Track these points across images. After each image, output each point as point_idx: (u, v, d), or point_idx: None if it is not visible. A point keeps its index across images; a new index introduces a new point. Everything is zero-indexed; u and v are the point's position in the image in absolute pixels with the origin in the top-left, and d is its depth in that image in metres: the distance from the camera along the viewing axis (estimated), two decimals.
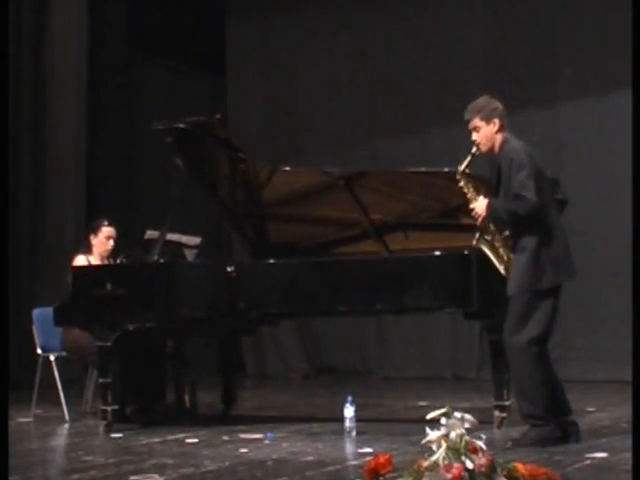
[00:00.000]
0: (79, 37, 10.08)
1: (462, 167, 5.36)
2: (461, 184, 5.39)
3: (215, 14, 11.54)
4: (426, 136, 10.30)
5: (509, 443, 5.17)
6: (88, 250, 7.14)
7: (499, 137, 5.32)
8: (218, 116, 6.71)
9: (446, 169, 6.22)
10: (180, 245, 6.91)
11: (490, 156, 5.47)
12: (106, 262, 7.14)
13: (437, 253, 6.14)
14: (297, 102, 11.14)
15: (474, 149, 5.35)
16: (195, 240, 7.09)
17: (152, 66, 11.15)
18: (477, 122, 5.32)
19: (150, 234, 6.76)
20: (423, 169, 6.58)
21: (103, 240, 7.12)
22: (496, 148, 5.34)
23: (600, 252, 9.18)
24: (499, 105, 5.38)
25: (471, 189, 5.37)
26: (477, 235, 5.33)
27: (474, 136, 5.35)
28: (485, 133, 5.32)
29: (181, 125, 6.44)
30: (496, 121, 5.31)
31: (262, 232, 7.04)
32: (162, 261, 6.41)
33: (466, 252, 5.97)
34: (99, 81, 10.39)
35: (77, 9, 10.04)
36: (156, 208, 9.67)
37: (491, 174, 5.58)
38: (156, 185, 10.51)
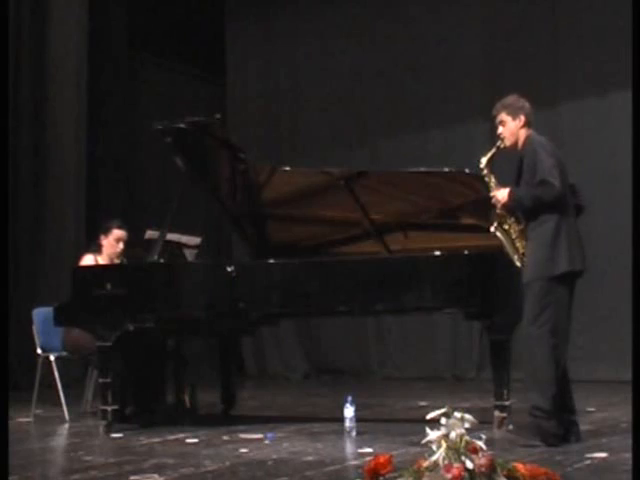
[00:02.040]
0: (79, 37, 10.08)
1: (486, 158, 5.47)
2: (484, 173, 5.46)
3: (215, 14, 11.55)
4: (426, 136, 10.31)
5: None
6: (98, 250, 7.14)
7: (523, 132, 5.46)
8: (218, 116, 6.71)
9: (446, 169, 6.23)
10: (180, 245, 6.91)
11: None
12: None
13: (437, 253, 6.13)
14: (297, 102, 11.15)
15: (499, 142, 5.49)
16: (195, 240, 7.09)
17: (152, 66, 11.16)
18: (504, 116, 5.48)
19: (150, 234, 6.76)
20: (423, 169, 6.58)
21: (113, 242, 7.11)
22: (520, 143, 5.46)
23: (600, 252, 9.16)
24: (526, 104, 5.52)
25: (493, 179, 5.46)
26: (495, 223, 5.38)
27: (500, 130, 5.49)
28: (510, 128, 5.46)
29: (181, 125, 6.44)
30: (522, 117, 5.46)
31: (262, 232, 7.04)
32: (162, 261, 6.41)
33: (466, 252, 5.98)
34: (99, 81, 10.39)
35: (77, 9, 10.05)
36: (156, 208, 9.72)
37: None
38: (156, 185, 10.54)
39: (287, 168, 6.76)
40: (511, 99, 5.54)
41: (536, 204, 5.26)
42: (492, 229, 5.41)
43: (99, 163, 10.43)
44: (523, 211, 5.36)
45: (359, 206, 6.57)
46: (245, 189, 6.87)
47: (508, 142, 5.48)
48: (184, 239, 6.96)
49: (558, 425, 5.24)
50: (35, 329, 7.19)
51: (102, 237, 7.15)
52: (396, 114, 10.46)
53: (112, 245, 7.11)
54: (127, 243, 7.15)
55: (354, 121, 10.65)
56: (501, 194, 5.37)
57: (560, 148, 9.27)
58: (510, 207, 5.36)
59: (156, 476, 4.57)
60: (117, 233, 7.14)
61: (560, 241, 5.26)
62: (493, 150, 5.48)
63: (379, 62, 10.60)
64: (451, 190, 6.28)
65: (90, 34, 10.19)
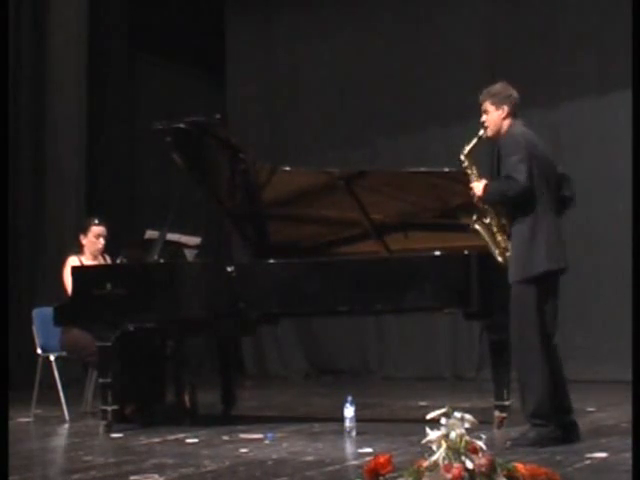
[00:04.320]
0: (79, 37, 10.07)
1: (467, 148, 5.42)
2: (465, 165, 5.42)
3: (215, 14, 11.54)
4: (425, 136, 10.30)
5: (508, 443, 5.17)
6: (80, 250, 7.17)
7: (506, 123, 5.39)
8: (218, 116, 6.72)
9: (446, 169, 6.23)
10: (180, 245, 6.92)
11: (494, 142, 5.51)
12: (100, 260, 7.17)
13: (437, 253, 6.13)
14: (297, 102, 11.14)
15: (481, 131, 5.43)
16: (195, 240, 7.10)
17: (152, 66, 11.15)
18: (487, 105, 5.41)
19: (150, 234, 6.77)
20: (423, 169, 6.58)
21: (93, 239, 7.17)
22: (501, 134, 5.40)
23: (600, 252, 9.18)
24: (514, 93, 5.44)
25: (474, 170, 5.42)
26: (475, 216, 5.34)
27: (483, 118, 5.43)
28: (493, 117, 5.40)
29: (181, 125, 6.44)
30: (505, 107, 5.38)
31: (262, 232, 7.04)
32: (162, 261, 6.41)
33: (466, 252, 5.97)
34: (99, 81, 10.39)
35: (77, 9, 10.04)
36: (156, 208, 9.71)
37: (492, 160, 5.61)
38: (156, 185, 10.52)
39: (287, 168, 6.75)
40: (498, 87, 5.45)
41: (503, 199, 5.23)
42: (471, 224, 5.35)
43: (99, 163, 10.42)
44: (492, 205, 5.31)
45: (359, 206, 6.56)
46: (245, 189, 6.87)
47: (490, 132, 5.41)
48: (184, 239, 6.97)
49: (556, 428, 5.23)
50: (35, 329, 7.20)
51: (82, 236, 7.21)
52: (396, 114, 10.46)
53: (93, 242, 7.17)
54: (107, 238, 7.19)
55: (354, 121, 10.65)
56: (477, 187, 5.34)
57: (560, 148, 9.38)
58: (484, 200, 5.32)
59: (156, 476, 4.57)
60: (96, 230, 7.19)
61: (537, 240, 5.20)
62: (474, 140, 5.42)
63: (379, 62, 10.59)
64: (451, 190, 6.27)
65: (90, 34, 10.18)
